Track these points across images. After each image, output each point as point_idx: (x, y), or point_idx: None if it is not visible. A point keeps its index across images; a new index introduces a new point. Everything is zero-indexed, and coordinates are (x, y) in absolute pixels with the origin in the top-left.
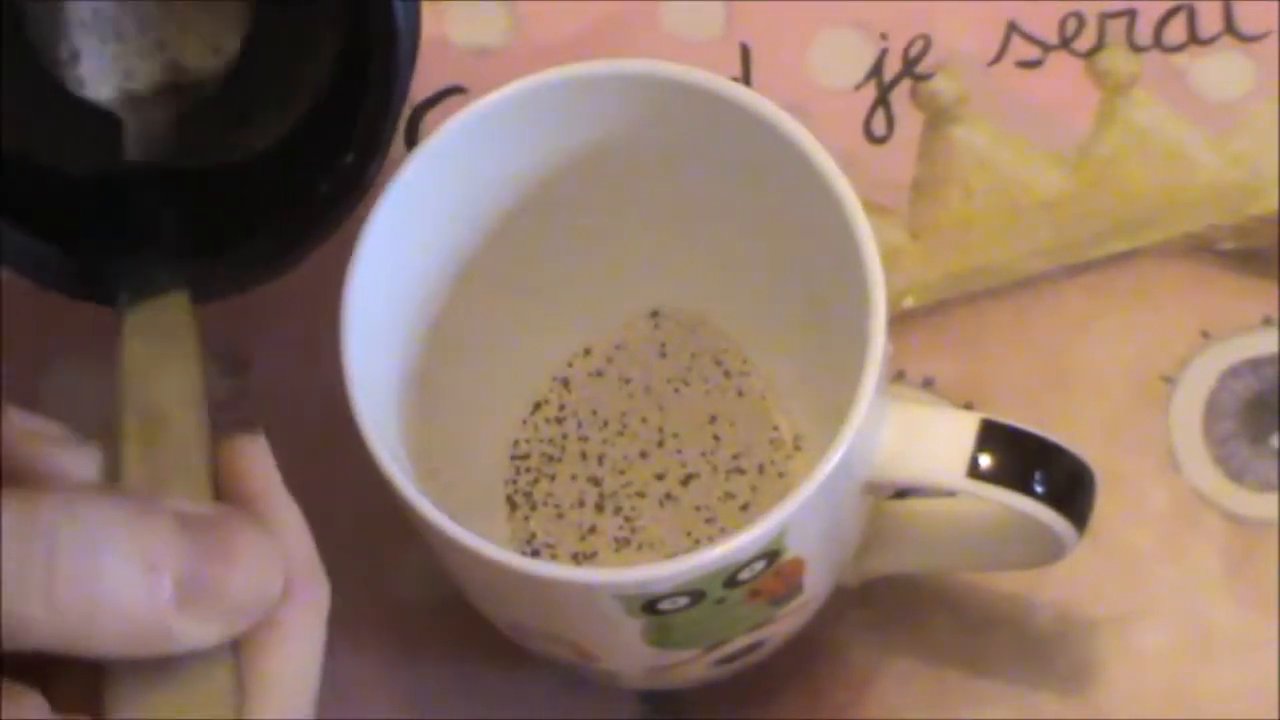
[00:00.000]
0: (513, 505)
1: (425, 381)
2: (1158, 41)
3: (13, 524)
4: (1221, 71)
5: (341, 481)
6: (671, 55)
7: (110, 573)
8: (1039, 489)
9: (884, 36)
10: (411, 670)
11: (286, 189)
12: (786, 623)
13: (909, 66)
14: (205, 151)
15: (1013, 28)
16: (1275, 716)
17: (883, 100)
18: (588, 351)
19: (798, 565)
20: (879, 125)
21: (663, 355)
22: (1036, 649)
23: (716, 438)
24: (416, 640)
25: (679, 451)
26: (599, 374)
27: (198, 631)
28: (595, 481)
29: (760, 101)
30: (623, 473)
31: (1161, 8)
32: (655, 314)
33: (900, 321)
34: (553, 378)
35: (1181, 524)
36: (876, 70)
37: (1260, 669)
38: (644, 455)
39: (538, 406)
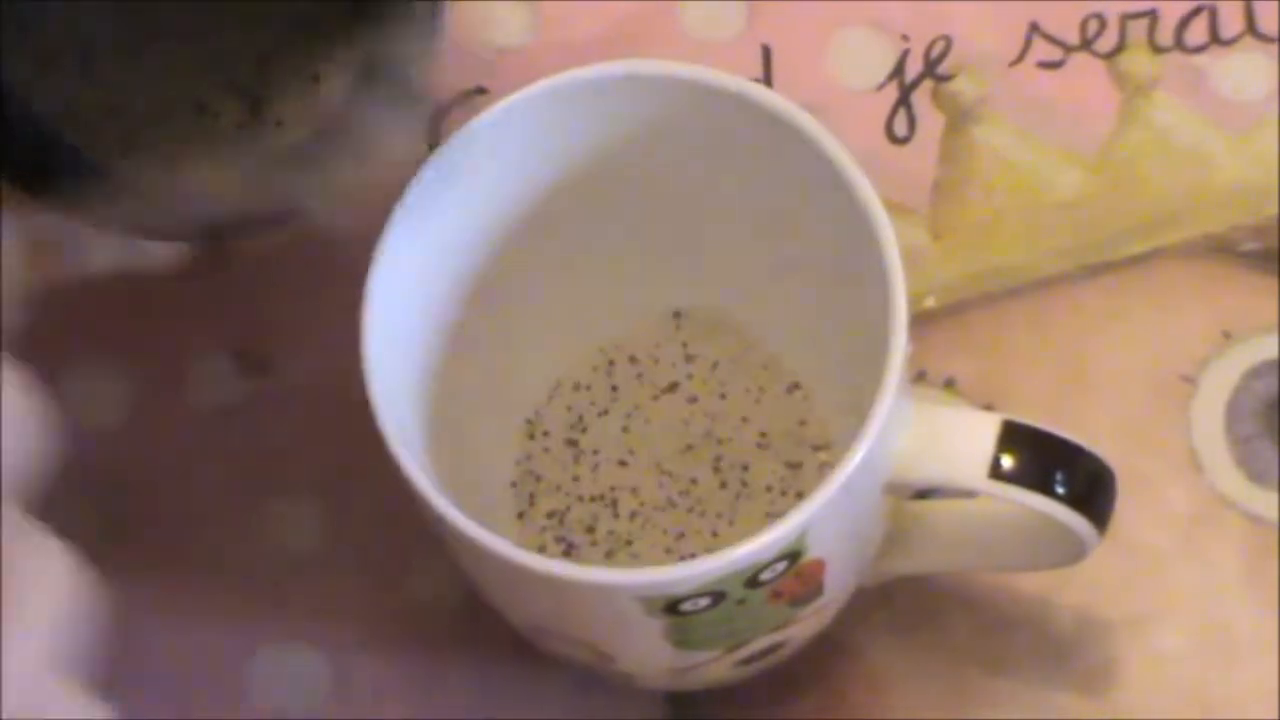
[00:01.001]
0: (533, 506)
1: (445, 383)
2: (1179, 42)
3: None
4: (1243, 72)
5: (360, 483)
6: (692, 56)
7: None
8: (1060, 490)
9: (905, 37)
10: (429, 671)
11: None
12: (807, 624)
13: (930, 67)
14: None
15: (1034, 28)
16: None
17: (904, 101)
18: (608, 352)
19: (818, 566)
20: (900, 126)
21: (685, 356)
22: (1056, 650)
23: None
24: (435, 641)
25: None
26: (620, 375)
27: None
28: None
29: (781, 102)
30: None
31: (1183, 8)
32: (677, 314)
33: (921, 322)
34: (573, 379)
35: (1202, 525)
36: (898, 71)
37: None
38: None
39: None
